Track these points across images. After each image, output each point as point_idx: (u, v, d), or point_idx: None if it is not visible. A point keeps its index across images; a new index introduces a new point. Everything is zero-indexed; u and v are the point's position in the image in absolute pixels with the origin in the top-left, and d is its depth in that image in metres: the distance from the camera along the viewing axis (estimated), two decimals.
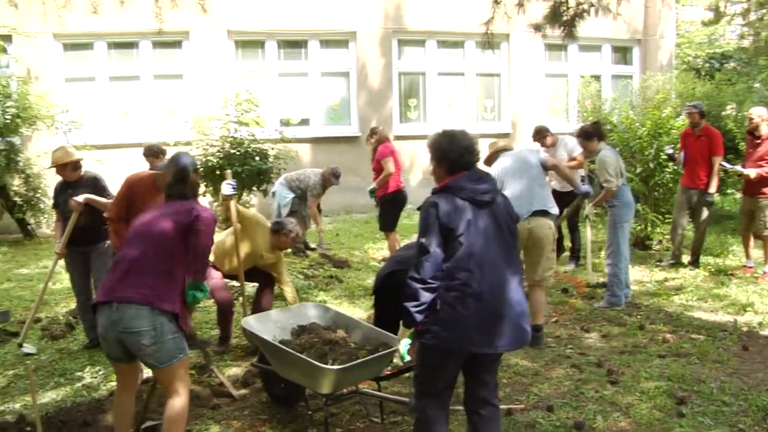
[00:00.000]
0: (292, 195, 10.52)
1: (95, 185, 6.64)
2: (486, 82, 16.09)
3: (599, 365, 5.79)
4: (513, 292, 3.76)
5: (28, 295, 8.74)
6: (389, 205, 9.58)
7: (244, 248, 6.48)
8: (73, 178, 6.66)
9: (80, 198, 6.41)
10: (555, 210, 6.49)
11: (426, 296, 3.61)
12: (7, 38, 12.86)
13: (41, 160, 12.66)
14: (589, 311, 7.47)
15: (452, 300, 3.63)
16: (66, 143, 12.35)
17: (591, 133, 7.64)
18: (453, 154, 3.86)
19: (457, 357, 3.76)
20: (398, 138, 15.12)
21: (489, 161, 7.01)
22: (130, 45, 14.24)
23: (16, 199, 12.24)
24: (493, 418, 3.92)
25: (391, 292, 5.07)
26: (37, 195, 12.34)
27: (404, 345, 3.94)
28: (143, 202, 5.71)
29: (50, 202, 12.59)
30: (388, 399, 4.70)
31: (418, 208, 3.83)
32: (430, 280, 3.61)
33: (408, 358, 3.97)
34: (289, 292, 6.81)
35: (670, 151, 9.11)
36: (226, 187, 6.25)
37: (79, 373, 6.02)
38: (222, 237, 6.65)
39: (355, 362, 4.48)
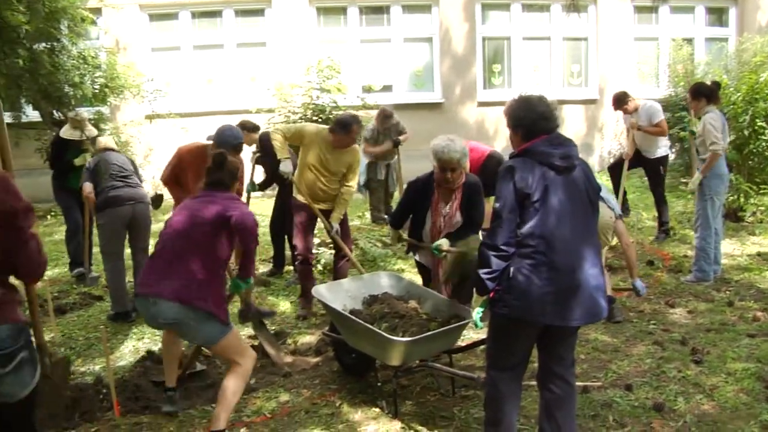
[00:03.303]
0: (365, 161, 10.39)
1: None
2: (573, 46, 15.55)
3: (683, 343, 5.53)
4: (589, 264, 3.59)
5: None
6: None
7: (311, 158, 6.43)
8: None
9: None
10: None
11: (497, 263, 3.51)
12: (97, 11, 13.15)
13: (128, 128, 13.01)
14: (676, 285, 7.16)
15: (525, 268, 3.50)
16: (151, 112, 12.73)
17: (699, 92, 7.26)
18: (527, 121, 3.72)
19: (529, 329, 3.63)
20: (482, 105, 14.92)
21: None
22: (214, 14, 14.37)
23: None
24: (567, 397, 3.76)
25: None
26: None
27: (477, 312, 3.83)
28: (192, 171, 6.00)
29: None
30: (455, 374, 4.59)
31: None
32: (502, 247, 3.50)
33: (481, 324, 3.87)
34: (343, 198, 6.60)
35: None
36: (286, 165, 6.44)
37: (156, 338, 6.14)
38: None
39: (424, 335, 4.41)
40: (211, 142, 6.11)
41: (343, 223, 6.68)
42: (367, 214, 10.94)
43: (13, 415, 2.89)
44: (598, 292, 3.61)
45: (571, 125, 15.01)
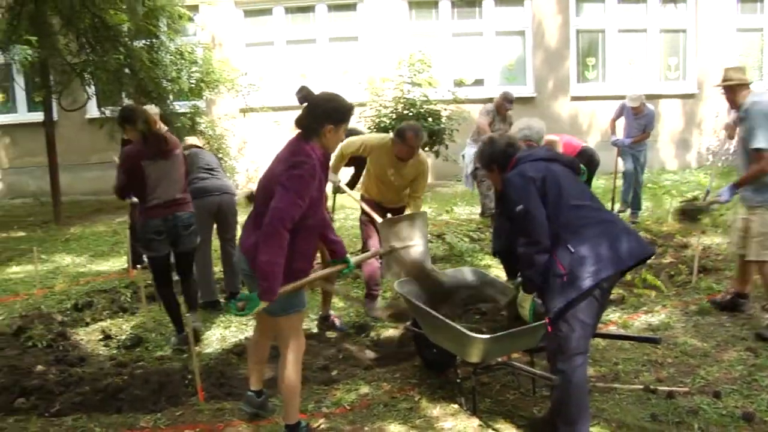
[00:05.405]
0: (472, 150, 10.31)
1: None
2: (670, 38, 15.09)
3: None
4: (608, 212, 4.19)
5: None
6: None
7: (374, 171, 6.48)
8: None
9: None
10: None
11: (540, 258, 3.85)
12: (194, 8, 13.62)
13: (222, 122, 13.35)
14: None
15: (580, 235, 3.82)
16: (245, 105, 13.04)
17: None
18: (498, 154, 4.30)
19: (601, 291, 3.82)
20: (576, 99, 14.67)
21: (734, 94, 5.86)
22: (307, 9, 14.62)
23: None
24: None
25: None
26: (219, 155, 12.97)
27: (530, 309, 4.20)
28: None
29: (231, 162, 13.36)
30: (534, 374, 4.52)
31: None
32: (543, 240, 3.86)
33: (531, 319, 4.21)
34: (413, 206, 6.45)
35: None
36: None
37: (243, 326, 6.32)
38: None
39: (504, 332, 4.37)
40: None
41: None
42: (456, 209, 10.90)
43: (188, 258, 5.98)
44: (631, 231, 4.05)
45: (667, 121, 14.61)
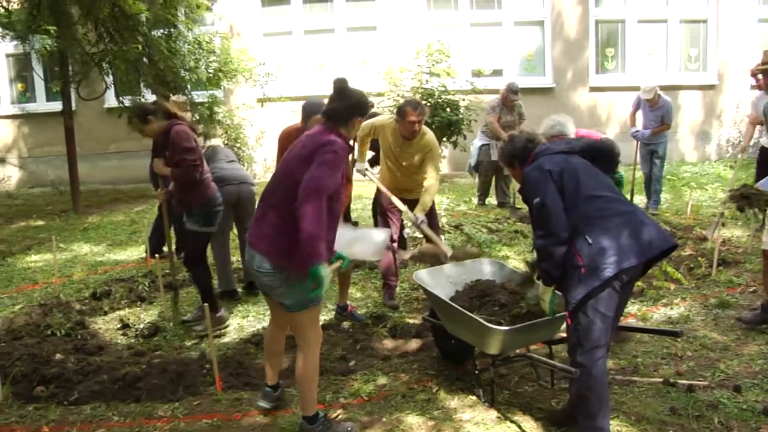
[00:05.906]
0: (479, 143, 10.35)
1: None
2: (691, 29, 14.89)
3: None
4: (628, 203, 4.14)
5: None
6: None
7: (383, 151, 6.47)
8: None
9: None
10: None
11: (560, 251, 3.86)
12: None
13: (240, 111, 13.34)
14: None
15: (600, 226, 3.80)
16: (263, 95, 13.02)
17: None
18: (518, 151, 4.32)
19: (621, 283, 3.79)
20: (594, 90, 14.56)
21: None
22: None
23: None
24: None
25: None
26: (237, 145, 12.99)
27: (550, 302, 4.15)
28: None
29: (249, 151, 13.37)
30: (554, 366, 4.49)
31: None
32: (561, 233, 3.86)
33: (550, 313, 4.21)
34: (427, 188, 6.20)
35: None
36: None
37: (260, 316, 6.34)
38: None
39: (524, 324, 4.35)
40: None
41: (430, 211, 6.34)
42: (474, 199, 10.87)
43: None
44: (652, 223, 3.96)
45: (687, 112, 14.48)
